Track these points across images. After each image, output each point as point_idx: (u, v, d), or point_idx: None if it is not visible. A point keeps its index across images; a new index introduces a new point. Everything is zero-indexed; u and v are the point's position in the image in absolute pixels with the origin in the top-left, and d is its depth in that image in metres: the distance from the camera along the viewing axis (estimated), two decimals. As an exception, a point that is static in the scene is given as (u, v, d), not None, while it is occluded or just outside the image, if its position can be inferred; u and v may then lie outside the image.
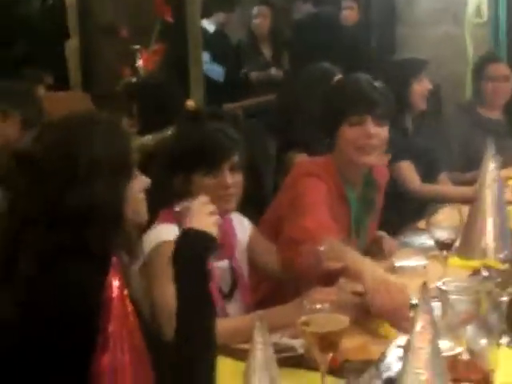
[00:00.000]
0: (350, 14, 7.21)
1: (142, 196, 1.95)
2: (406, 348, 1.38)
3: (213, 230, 1.90)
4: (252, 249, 2.72)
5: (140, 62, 5.00)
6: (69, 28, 5.93)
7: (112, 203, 1.84)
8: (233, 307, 2.57)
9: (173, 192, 2.44)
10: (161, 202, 2.41)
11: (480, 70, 4.83)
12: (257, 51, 7.03)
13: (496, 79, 4.73)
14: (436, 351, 1.35)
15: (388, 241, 3.08)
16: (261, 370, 1.30)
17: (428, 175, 4.20)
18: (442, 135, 4.52)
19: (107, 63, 5.50)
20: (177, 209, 1.98)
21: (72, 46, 5.91)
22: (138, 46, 5.08)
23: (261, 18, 6.99)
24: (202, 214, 1.92)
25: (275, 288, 2.85)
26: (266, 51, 7.05)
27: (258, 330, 1.29)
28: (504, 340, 2.17)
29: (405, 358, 1.37)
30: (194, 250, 1.87)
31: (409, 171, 4.08)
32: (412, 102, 4.23)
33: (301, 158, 3.72)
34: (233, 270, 2.61)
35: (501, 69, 4.78)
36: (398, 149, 4.00)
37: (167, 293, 2.07)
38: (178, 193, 2.43)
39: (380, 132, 2.87)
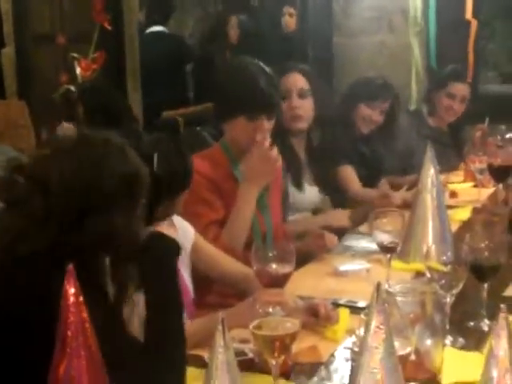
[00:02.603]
0: (289, 21, 7.30)
1: None
2: (360, 348, 1.40)
3: None
4: (194, 255, 2.74)
5: (79, 70, 4.96)
6: (4, 36, 5.85)
7: (131, 231, 1.80)
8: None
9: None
10: None
11: (442, 84, 4.89)
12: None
13: (454, 98, 4.82)
14: (390, 350, 1.37)
15: (328, 236, 3.16)
16: (222, 372, 1.31)
17: (373, 180, 4.27)
18: (388, 141, 4.56)
19: (44, 71, 5.44)
20: None
21: (7, 54, 5.84)
22: (76, 54, 5.04)
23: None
24: None
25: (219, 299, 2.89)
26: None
27: (220, 333, 1.31)
28: (448, 340, 2.23)
29: (359, 358, 1.40)
30: (165, 251, 1.87)
31: (349, 175, 4.14)
32: (355, 123, 4.30)
33: None
34: None
35: (462, 89, 4.87)
36: (341, 153, 4.08)
37: None
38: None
39: (270, 126, 3.07)
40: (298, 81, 3.71)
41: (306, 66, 3.97)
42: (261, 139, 3.01)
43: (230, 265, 2.80)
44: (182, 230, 2.70)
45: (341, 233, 3.46)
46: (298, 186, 3.69)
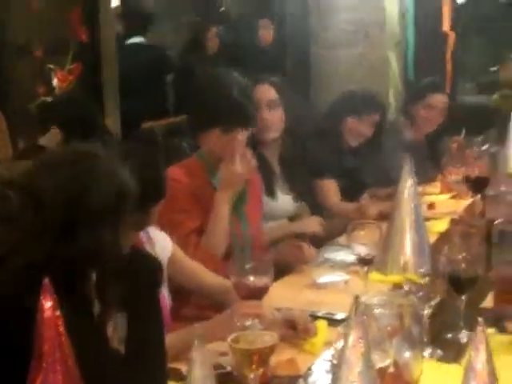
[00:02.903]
0: (265, 34, 7.36)
1: None
2: (339, 361, 1.40)
3: None
4: (171, 267, 2.71)
5: (55, 82, 4.94)
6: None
7: (117, 246, 1.81)
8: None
9: None
10: None
11: (420, 95, 4.88)
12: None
13: (433, 109, 4.82)
14: (369, 364, 1.37)
15: (307, 248, 3.20)
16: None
17: (356, 193, 4.26)
18: (375, 154, 4.52)
19: (21, 82, 5.41)
20: None
21: (-16, 65, 5.80)
22: (52, 66, 5.02)
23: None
24: None
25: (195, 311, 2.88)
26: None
27: (197, 348, 1.30)
28: (426, 352, 2.23)
29: (338, 372, 1.39)
30: (147, 270, 1.88)
31: (329, 189, 4.13)
32: (343, 136, 4.29)
33: None
34: None
35: (441, 100, 4.86)
36: (323, 166, 4.08)
37: None
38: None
39: (245, 136, 3.10)
40: (266, 92, 3.71)
41: (276, 78, 3.94)
42: (235, 150, 3.02)
43: (208, 277, 2.79)
44: (158, 241, 2.68)
45: (319, 243, 3.46)
46: (271, 194, 3.68)
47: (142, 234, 2.60)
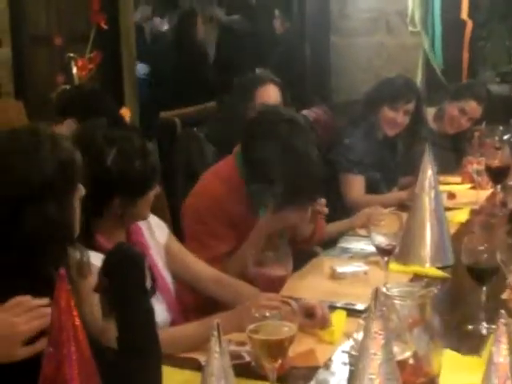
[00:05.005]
0: (277, 23, 7.45)
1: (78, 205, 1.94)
2: (359, 353, 1.38)
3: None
4: (168, 254, 2.65)
5: (75, 70, 4.94)
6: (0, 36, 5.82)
7: (66, 221, 1.83)
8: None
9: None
10: None
11: (458, 96, 4.73)
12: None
13: (465, 114, 4.64)
14: (389, 356, 1.35)
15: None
16: (218, 378, 1.29)
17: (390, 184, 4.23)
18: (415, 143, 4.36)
19: (41, 71, 5.42)
20: None
21: (4, 54, 5.81)
22: (72, 54, 5.02)
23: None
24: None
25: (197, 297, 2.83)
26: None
27: (215, 339, 1.29)
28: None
29: (357, 363, 1.38)
30: (133, 262, 1.86)
31: (354, 183, 4.09)
32: (378, 125, 4.17)
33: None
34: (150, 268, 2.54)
35: (476, 109, 4.70)
36: (354, 159, 4.03)
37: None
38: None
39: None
40: (274, 93, 3.56)
41: (278, 78, 3.77)
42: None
43: (202, 268, 2.69)
44: (157, 226, 2.63)
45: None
46: None
47: (141, 224, 2.56)
